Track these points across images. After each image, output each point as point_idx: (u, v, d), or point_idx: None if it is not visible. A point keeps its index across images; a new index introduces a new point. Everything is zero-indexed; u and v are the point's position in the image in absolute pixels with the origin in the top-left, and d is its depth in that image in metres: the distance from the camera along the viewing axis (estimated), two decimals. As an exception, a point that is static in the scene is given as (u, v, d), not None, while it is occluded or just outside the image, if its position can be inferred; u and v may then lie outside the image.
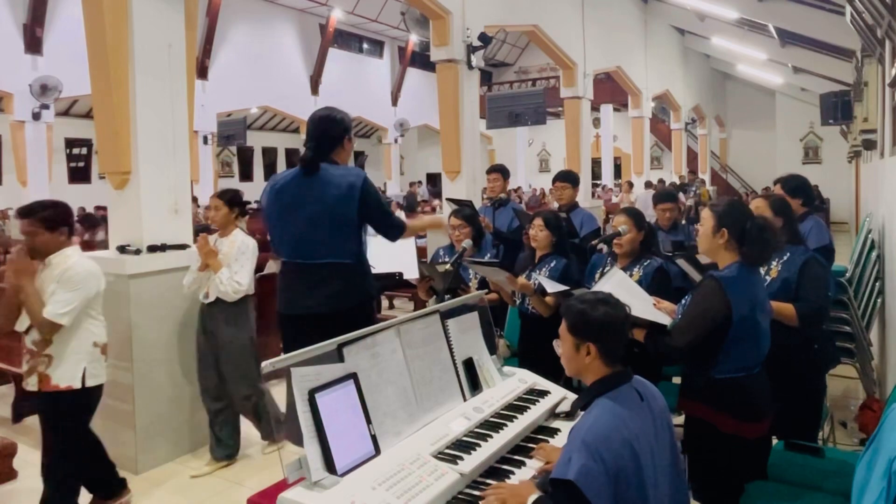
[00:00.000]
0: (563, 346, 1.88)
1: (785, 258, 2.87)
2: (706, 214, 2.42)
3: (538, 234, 3.46)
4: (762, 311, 2.34)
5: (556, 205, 5.06)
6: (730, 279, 2.28)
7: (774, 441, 2.65)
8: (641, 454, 1.67)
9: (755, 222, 2.34)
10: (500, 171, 5.20)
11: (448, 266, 3.49)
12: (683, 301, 2.46)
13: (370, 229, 2.96)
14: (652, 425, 1.79)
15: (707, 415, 2.30)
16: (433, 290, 3.70)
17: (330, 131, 2.88)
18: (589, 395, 1.83)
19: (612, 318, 1.80)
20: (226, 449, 3.82)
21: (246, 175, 21.24)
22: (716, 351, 2.27)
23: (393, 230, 2.97)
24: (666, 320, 2.49)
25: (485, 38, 7.27)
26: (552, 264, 3.41)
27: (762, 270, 2.82)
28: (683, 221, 4.93)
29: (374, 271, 3.06)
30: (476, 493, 1.82)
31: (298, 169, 2.86)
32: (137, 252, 3.73)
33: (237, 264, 3.59)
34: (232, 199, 3.69)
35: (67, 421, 2.94)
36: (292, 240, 2.84)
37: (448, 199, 5.99)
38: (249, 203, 3.64)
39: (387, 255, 3.40)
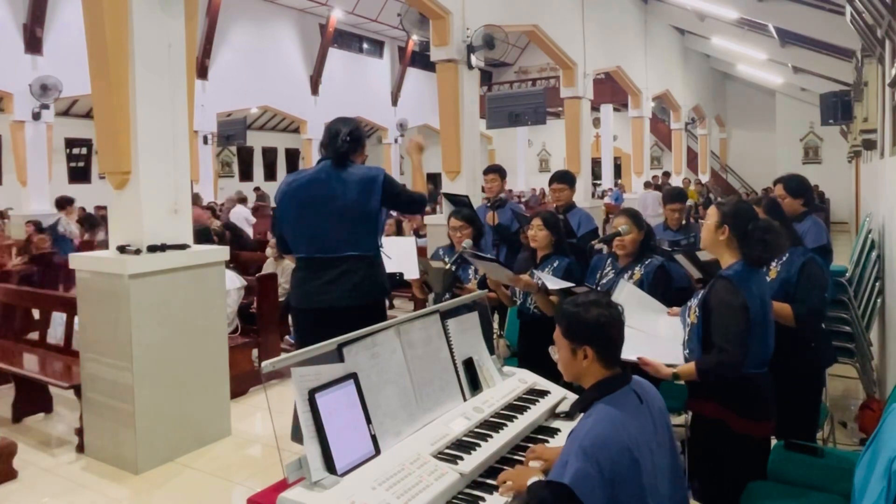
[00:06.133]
0: (559, 351, 1.87)
1: (784, 259, 2.87)
2: (711, 210, 2.45)
3: (537, 233, 3.46)
4: (769, 307, 2.35)
5: (554, 205, 5.05)
6: (738, 276, 2.28)
7: (774, 441, 2.65)
8: (641, 459, 1.67)
9: (758, 224, 2.34)
10: (497, 172, 5.17)
11: (447, 266, 3.49)
12: (689, 303, 2.43)
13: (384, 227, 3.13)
14: (652, 427, 1.79)
15: (717, 413, 2.29)
16: (427, 287, 3.70)
17: (351, 135, 3.06)
18: (587, 398, 1.82)
19: (606, 318, 1.79)
20: None
21: (246, 175, 21.25)
22: None
23: (419, 204, 3.22)
24: (678, 339, 2.44)
25: (489, 42, 7.25)
26: (555, 264, 3.40)
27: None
28: (684, 222, 4.91)
29: None
30: (476, 492, 1.82)
31: (321, 166, 3.02)
32: (137, 252, 3.72)
33: None
34: None
35: None
36: (313, 236, 2.97)
37: (445, 195, 6.00)
38: None
39: (389, 256, 3.42)
